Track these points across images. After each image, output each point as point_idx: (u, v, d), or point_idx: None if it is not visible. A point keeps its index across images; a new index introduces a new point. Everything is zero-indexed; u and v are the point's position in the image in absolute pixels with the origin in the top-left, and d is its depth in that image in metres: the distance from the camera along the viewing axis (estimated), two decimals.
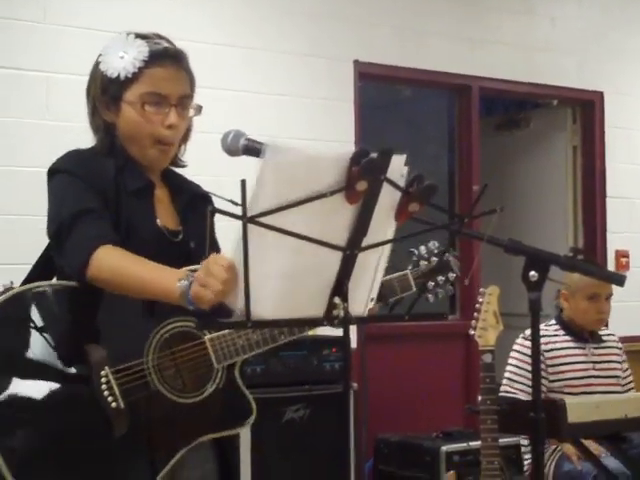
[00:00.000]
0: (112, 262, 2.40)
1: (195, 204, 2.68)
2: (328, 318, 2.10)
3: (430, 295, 2.81)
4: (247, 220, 1.93)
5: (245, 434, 4.86)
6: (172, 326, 2.50)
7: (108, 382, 2.41)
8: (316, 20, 6.24)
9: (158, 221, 2.62)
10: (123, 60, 2.58)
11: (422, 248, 2.83)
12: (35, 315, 2.46)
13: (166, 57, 2.61)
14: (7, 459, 2.31)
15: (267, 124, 5.70)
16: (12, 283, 3.85)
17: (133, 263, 2.38)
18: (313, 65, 6.22)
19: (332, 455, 5.23)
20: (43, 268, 2.66)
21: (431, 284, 2.79)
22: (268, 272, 2.02)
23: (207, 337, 2.51)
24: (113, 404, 2.40)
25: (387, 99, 8.41)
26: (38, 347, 2.43)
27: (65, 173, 2.58)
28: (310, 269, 2.08)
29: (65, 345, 2.44)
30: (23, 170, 5.21)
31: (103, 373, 2.41)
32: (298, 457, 5.15)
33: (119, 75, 2.58)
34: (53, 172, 2.61)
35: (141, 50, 2.58)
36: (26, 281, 2.65)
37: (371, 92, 7.21)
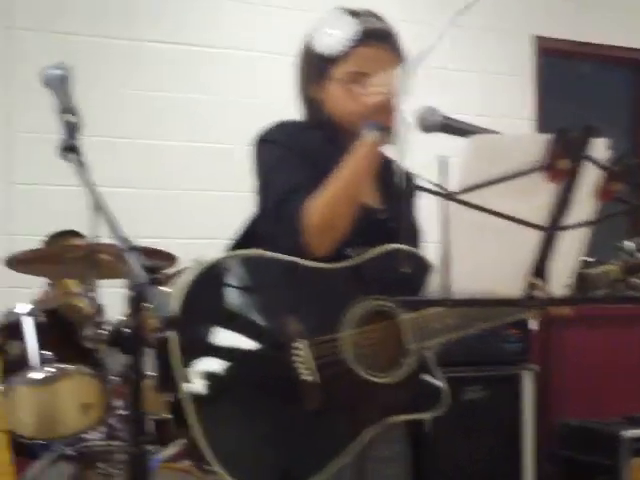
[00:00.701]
0: (316, 201, 2.44)
1: (397, 182, 2.66)
2: (527, 298, 2.06)
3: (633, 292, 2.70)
4: (449, 197, 1.91)
5: None
6: (367, 303, 2.48)
7: (303, 355, 2.41)
8: None
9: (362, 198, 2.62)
10: (332, 37, 2.57)
11: (628, 243, 2.72)
12: (235, 281, 2.47)
13: (375, 37, 2.58)
14: (203, 422, 2.31)
15: (448, 100, 5.64)
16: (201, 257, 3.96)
17: (325, 187, 2.44)
18: (491, 40, 6.14)
19: (509, 437, 5.18)
20: (247, 237, 2.69)
21: (637, 281, 2.68)
22: (465, 251, 2.00)
23: (402, 317, 2.49)
24: (309, 377, 2.41)
25: (566, 76, 8.21)
26: (237, 312, 2.44)
27: (275, 144, 2.59)
28: (506, 248, 2.05)
29: (263, 314, 2.44)
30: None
31: (298, 345, 2.42)
32: (476, 437, 5.10)
33: (327, 52, 2.58)
34: (262, 141, 2.63)
35: (351, 28, 2.57)
36: (231, 246, 2.68)
37: (549, 68, 7.05)
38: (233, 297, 2.43)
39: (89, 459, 3.66)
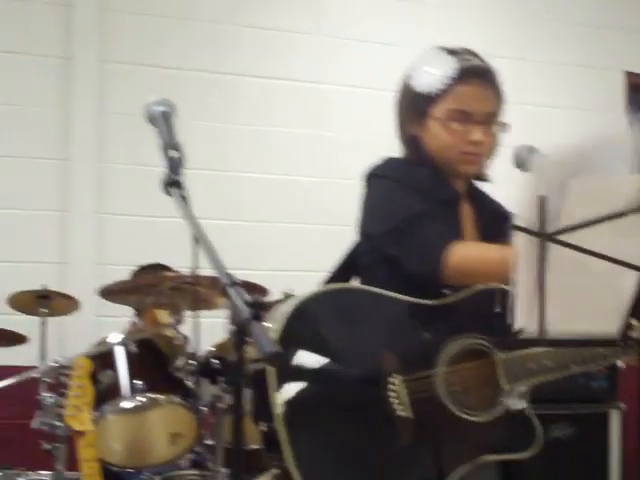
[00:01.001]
0: (469, 253, 2.47)
1: (497, 222, 2.66)
2: (624, 339, 2.04)
3: None
4: (546, 238, 1.91)
5: None
6: (462, 341, 2.49)
7: (398, 390, 2.42)
8: (589, 30, 6.14)
9: (463, 235, 2.63)
10: (432, 76, 2.59)
11: None
12: (332, 314, 2.49)
13: (474, 74, 2.60)
14: (296, 452, 2.33)
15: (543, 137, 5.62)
16: (292, 290, 4.00)
17: (489, 249, 2.45)
18: (584, 76, 6.12)
19: (596, 476, 5.10)
20: (345, 270, 2.73)
21: None
22: (558, 289, 1.99)
23: (498, 357, 2.49)
24: (402, 412, 2.41)
25: None
26: (333, 346, 2.46)
27: (388, 179, 2.63)
28: (599, 288, 2.03)
29: (360, 347, 2.45)
30: (296, 179, 5.38)
31: (393, 380, 2.43)
32: (563, 475, 5.03)
33: (427, 91, 2.61)
34: (374, 177, 2.67)
35: (450, 66, 2.58)
36: (328, 280, 2.71)
37: None
38: (330, 331, 2.45)
39: None
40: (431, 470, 2.44)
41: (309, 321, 2.44)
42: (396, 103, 2.71)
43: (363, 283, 2.66)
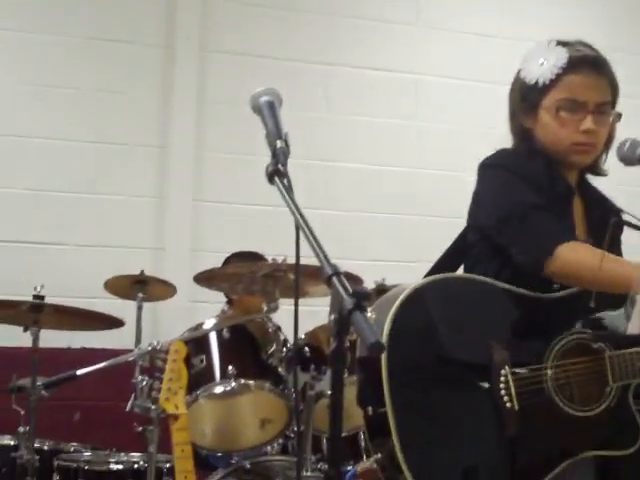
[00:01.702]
0: (580, 256, 2.46)
1: (606, 219, 2.64)
2: None
3: None
4: None
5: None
6: (572, 337, 2.49)
7: (507, 382, 2.42)
8: None
9: (575, 230, 2.62)
10: (542, 67, 2.60)
11: None
12: (442, 305, 2.49)
13: (584, 64, 2.60)
14: (403, 436, 2.35)
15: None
16: (384, 280, 4.00)
17: (604, 258, 2.41)
18: None
19: None
20: (452, 259, 2.74)
21: None
22: None
23: (608, 353, 2.49)
24: (508, 404, 2.42)
25: None
26: (444, 337, 2.46)
27: (503, 169, 2.64)
28: None
29: (471, 339, 2.46)
30: (391, 170, 5.38)
31: (503, 372, 2.43)
32: None
33: (537, 82, 2.60)
34: (488, 167, 2.68)
35: (560, 57, 2.59)
36: (435, 269, 2.72)
37: None
38: (440, 320, 2.45)
39: (266, 473, 3.74)
40: (536, 463, 2.44)
41: (420, 310, 2.44)
42: (509, 96, 2.71)
43: (472, 273, 2.66)
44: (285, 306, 3.85)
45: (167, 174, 5.24)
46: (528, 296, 2.50)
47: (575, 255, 2.46)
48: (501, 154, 2.69)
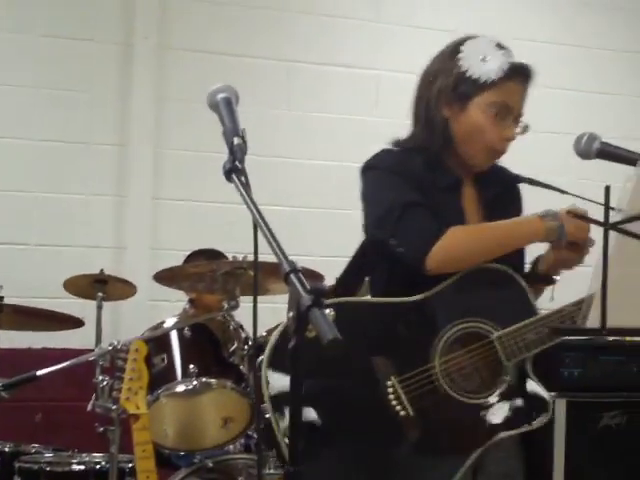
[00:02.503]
0: (462, 235, 2.53)
1: (502, 197, 2.69)
2: None
3: None
4: (609, 227, 1.90)
5: (559, 437, 4.76)
6: (456, 328, 2.52)
7: (395, 392, 2.46)
8: None
9: (466, 219, 2.64)
10: (486, 65, 2.61)
11: None
12: None
13: (522, 73, 2.65)
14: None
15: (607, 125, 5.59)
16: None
17: (482, 227, 2.56)
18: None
19: None
20: (357, 266, 2.78)
21: None
22: (622, 280, 1.99)
23: (495, 335, 2.51)
24: (402, 412, 2.45)
25: None
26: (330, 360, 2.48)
27: (383, 169, 2.67)
28: None
29: (356, 359, 2.48)
30: (351, 166, 5.36)
31: (389, 383, 2.47)
32: (613, 464, 4.98)
33: (479, 77, 2.61)
34: (369, 168, 2.71)
35: (504, 61, 2.62)
36: (343, 275, 2.78)
37: None
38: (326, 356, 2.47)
39: (229, 471, 3.73)
40: (448, 459, 2.47)
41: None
42: (431, 81, 2.70)
43: (371, 279, 2.70)
44: (246, 304, 3.84)
45: (126, 172, 5.21)
46: (407, 302, 2.54)
47: (456, 236, 2.52)
48: (381, 156, 2.72)
